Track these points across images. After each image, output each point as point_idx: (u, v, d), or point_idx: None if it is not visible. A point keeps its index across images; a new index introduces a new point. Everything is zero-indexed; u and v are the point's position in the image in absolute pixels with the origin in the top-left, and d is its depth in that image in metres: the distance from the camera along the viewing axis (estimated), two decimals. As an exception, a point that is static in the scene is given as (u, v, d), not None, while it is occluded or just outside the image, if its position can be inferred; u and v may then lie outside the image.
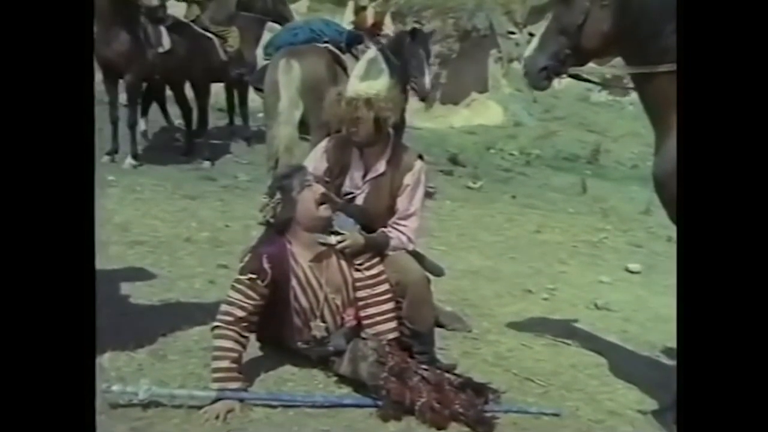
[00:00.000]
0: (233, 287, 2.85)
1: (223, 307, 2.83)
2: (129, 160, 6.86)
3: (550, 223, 7.08)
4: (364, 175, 3.22)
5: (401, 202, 3.18)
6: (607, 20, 2.97)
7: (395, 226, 3.16)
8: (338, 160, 3.25)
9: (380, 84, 3.17)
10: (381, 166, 3.20)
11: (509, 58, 13.67)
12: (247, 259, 2.92)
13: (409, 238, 3.17)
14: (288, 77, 5.55)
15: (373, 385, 2.79)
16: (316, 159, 3.30)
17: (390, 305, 3.04)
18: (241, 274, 2.87)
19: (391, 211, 3.20)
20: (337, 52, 5.74)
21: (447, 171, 9.06)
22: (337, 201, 3.10)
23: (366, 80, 3.15)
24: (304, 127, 5.79)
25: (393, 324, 3.04)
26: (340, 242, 2.99)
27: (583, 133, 12.66)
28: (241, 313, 2.80)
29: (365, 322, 3.01)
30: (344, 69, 5.60)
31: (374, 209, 3.19)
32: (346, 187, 3.24)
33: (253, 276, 2.83)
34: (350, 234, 3.03)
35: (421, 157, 3.28)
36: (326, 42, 5.80)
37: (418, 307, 3.10)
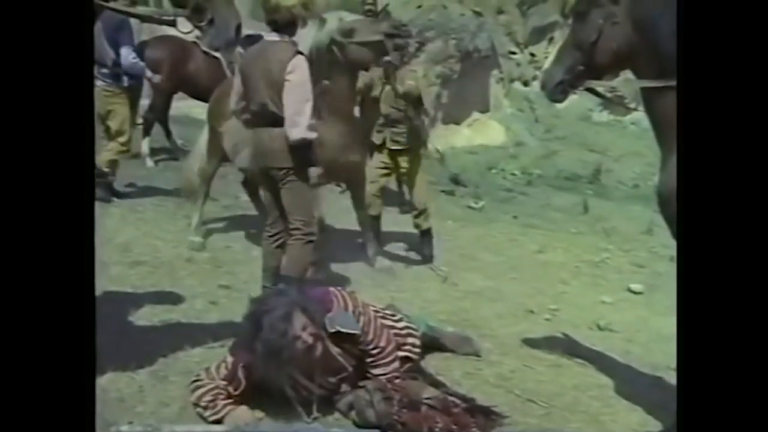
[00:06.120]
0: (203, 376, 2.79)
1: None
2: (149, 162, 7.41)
3: (552, 243, 7.06)
4: None
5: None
6: (618, 38, 3.00)
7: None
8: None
9: None
10: None
11: (510, 78, 13.72)
12: (223, 365, 2.81)
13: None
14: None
15: (387, 423, 2.75)
16: (236, 85, 3.99)
17: (396, 365, 3.04)
18: (215, 371, 2.79)
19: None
20: None
21: (448, 191, 9.04)
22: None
23: None
24: None
25: (397, 364, 3.05)
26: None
27: (585, 152, 12.63)
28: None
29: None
30: None
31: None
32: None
33: (224, 382, 2.76)
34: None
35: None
36: None
37: None
